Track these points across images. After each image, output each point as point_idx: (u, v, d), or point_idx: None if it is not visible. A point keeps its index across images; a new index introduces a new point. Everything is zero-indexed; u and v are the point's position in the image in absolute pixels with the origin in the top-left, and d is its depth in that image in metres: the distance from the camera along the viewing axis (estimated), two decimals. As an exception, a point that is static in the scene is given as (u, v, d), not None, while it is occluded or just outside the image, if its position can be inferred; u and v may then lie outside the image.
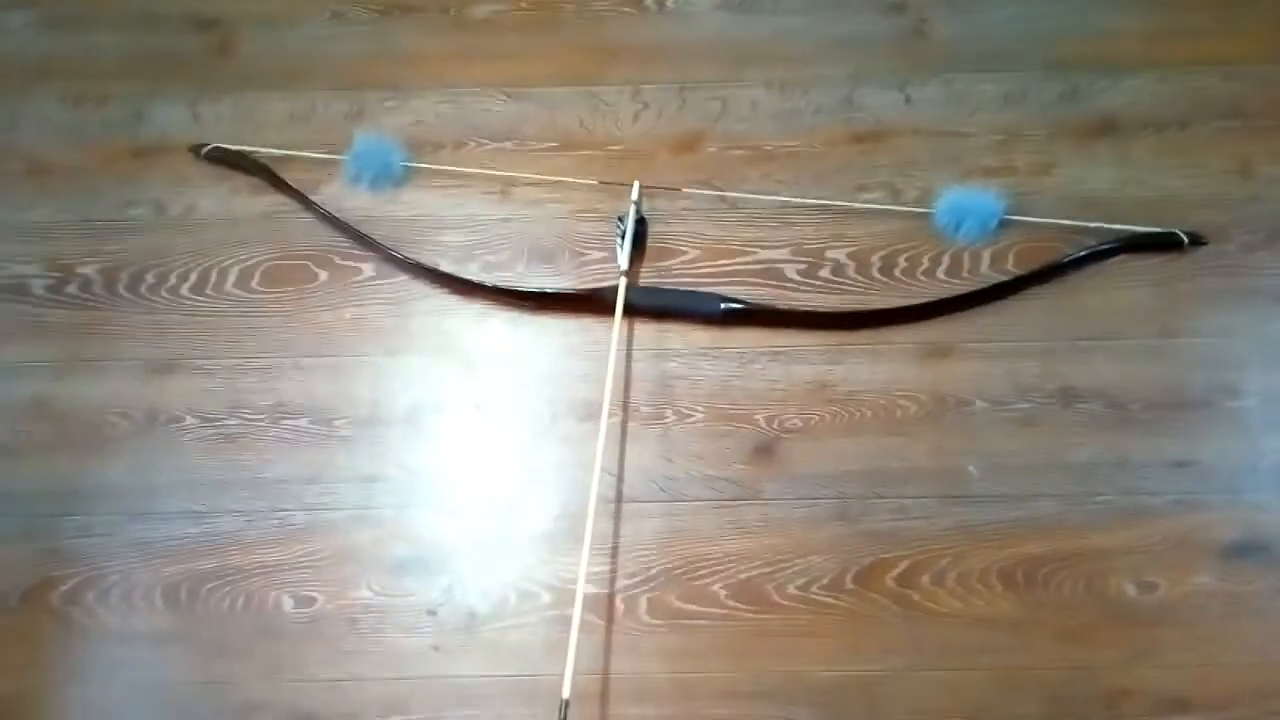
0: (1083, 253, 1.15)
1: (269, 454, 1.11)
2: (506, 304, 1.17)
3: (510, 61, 1.30)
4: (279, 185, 1.21)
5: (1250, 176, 1.21)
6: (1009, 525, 1.07)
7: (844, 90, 1.27)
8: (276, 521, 1.09)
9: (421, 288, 1.19)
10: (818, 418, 1.12)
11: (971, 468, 1.09)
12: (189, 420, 1.13)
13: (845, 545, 1.07)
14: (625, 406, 1.13)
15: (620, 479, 1.09)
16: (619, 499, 1.08)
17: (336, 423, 1.13)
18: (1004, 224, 1.19)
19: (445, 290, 1.18)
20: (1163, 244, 1.17)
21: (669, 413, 1.12)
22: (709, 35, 1.31)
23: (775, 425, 1.12)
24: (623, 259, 1.13)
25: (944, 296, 1.15)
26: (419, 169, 1.23)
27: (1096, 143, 1.24)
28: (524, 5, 1.34)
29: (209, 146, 1.23)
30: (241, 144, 1.23)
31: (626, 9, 1.33)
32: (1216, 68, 1.26)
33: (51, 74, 1.29)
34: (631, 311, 1.13)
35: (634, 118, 1.27)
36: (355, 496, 1.09)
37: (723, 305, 1.13)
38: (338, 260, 1.20)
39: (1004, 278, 1.16)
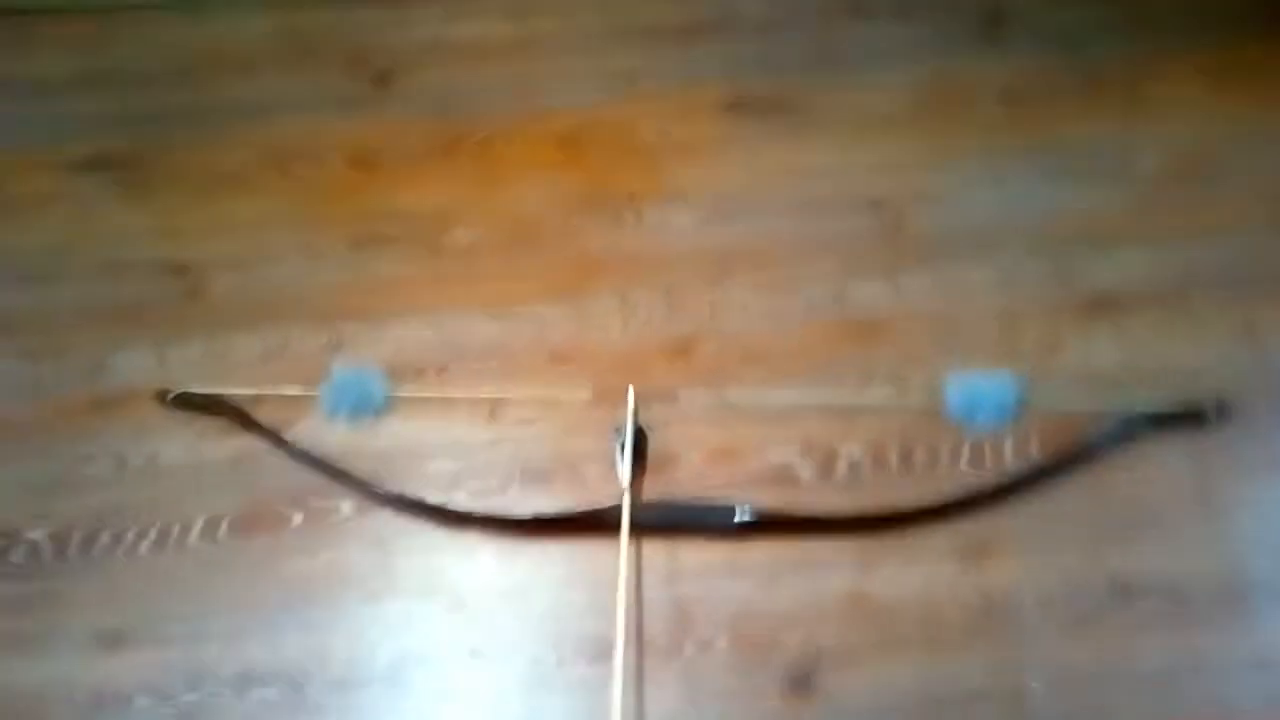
0: (1109, 434, 1.12)
1: (233, 732, 0.99)
2: (499, 534, 1.10)
3: (491, 283, 1.31)
4: (250, 426, 1.17)
5: (1259, 342, 1.21)
6: None
7: (832, 286, 1.29)
8: (242, 817, 0.95)
9: (405, 524, 1.12)
10: (857, 636, 1.03)
11: (1034, 684, 1.00)
12: (140, 701, 1.02)
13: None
14: (639, 641, 1.03)
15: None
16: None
17: (308, 689, 1.02)
18: (1020, 408, 1.16)
19: (431, 524, 1.11)
20: (1187, 418, 1.14)
21: (688, 645, 1.04)
22: (690, 244, 1.35)
23: (811, 649, 1.03)
24: (624, 474, 1.08)
25: (973, 490, 1.09)
26: (400, 398, 1.19)
27: (1096, 320, 1.25)
28: (502, 229, 1.36)
29: (175, 392, 1.19)
30: (212, 387, 1.19)
31: (604, 223, 1.36)
32: (1204, 237, 1.29)
33: (8, 330, 1.26)
34: (637, 530, 1.06)
35: (623, 326, 1.26)
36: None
37: (737, 515, 1.07)
38: (314, 501, 1.14)
39: (1030, 466, 1.11)
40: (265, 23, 1.62)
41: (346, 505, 1.13)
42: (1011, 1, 1.60)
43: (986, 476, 1.12)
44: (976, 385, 1.16)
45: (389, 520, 1.12)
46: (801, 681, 1.01)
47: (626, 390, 1.14)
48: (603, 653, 0.99)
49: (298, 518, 1.12)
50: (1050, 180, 1.38)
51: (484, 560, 1.09)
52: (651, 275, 1.30)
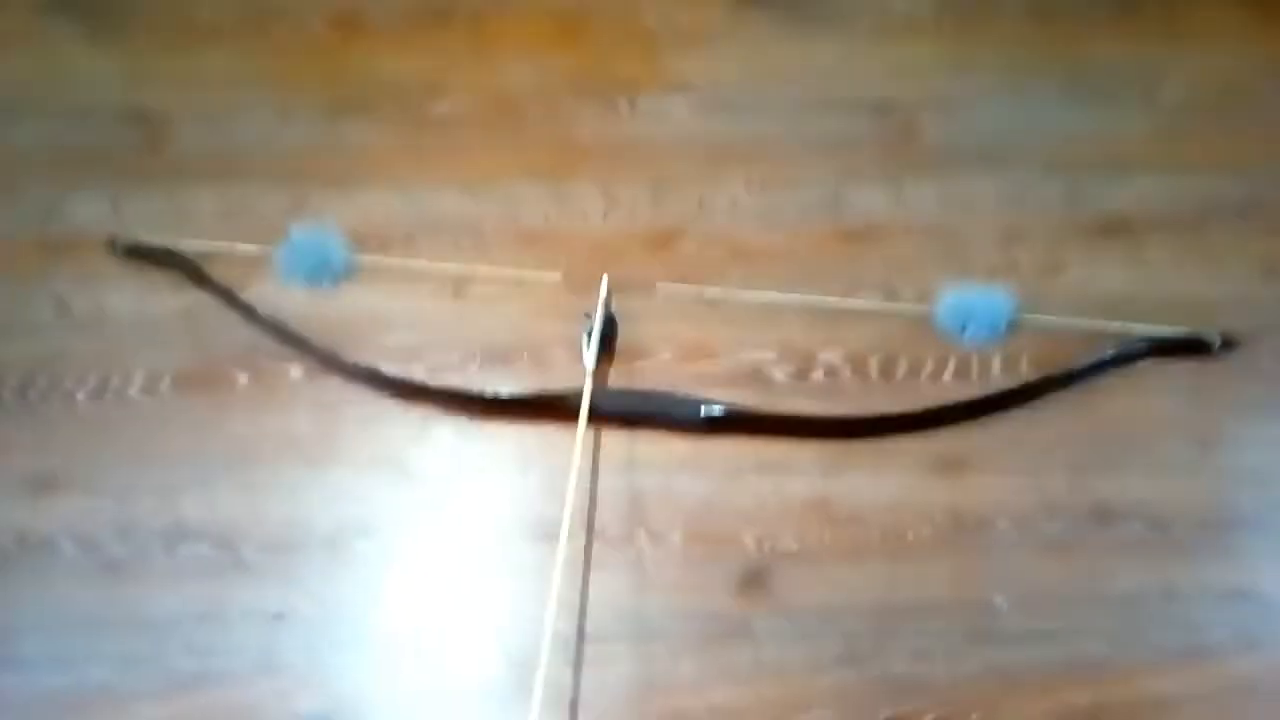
0: (1106, 356, 1.06)
1: (157, 587, 0.96)
2: (453, 410, 1.06)
3: (469, 157, 1.25)
4: (202, 282, 1.12)
5: (1276, 278, 1.14)
6: (1047, 669, 0.92)
7: (830, 189, 1.23)
8: (159, 670, 0.92)
9: (356, 393, 1.07)
10: (816, 540, 0.99)
11: (999, 599, 0.95)
12: (65, 546, 0.98)
13: (855, 695, 0.91)
14: (590, 528, 0.99)
15: (583, 614, 0.93)
16: (580, 639, 0.92)
17: (243, 548, 0.98)
18: (1013, 325, 1.10)
19: (384, 395, 1.06)
20: (1191, 347, 1.08)
21: (641, 535, 0.99)
22: (684, 136, 1.28)
23: (767, 549, 0.98)
24: (589, 358, 1.03)
25: (952, 401, 1.04)
26: (362, 264, 1.14)
27: (1107, 243, 1.18)
28: (486, 104, 1.30)
29: (126, 242, 1.13)
30: (166, 239, 1.14)
31: (596, 109, 1.29)
32: (1227, 168, 1.23)
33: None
34: (599, 418, 1.01)
35: (603, 215, 1.20)
36: (258, 638, 0.93)
37: (704, 409, 1.02)
38: (262, 363, 1.09)
39: (1018, 383, 1.05)
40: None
41: (296, 370, 1.08)
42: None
43: (970, 392, 1.05)
44: (970, 298, 1.11)
45: (340, 388, 1.07)
46: (755, 579, 0.96)
47: (601, 277, 1.07)
48: (550, 535, 0.95)
49: (244, 378, 1.07)
50: (1072, 99, 1.31)
51: (436, 436, 1.04)
52: (639, 166, 1.24)
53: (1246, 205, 1.20)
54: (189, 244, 1.15)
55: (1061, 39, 1.37)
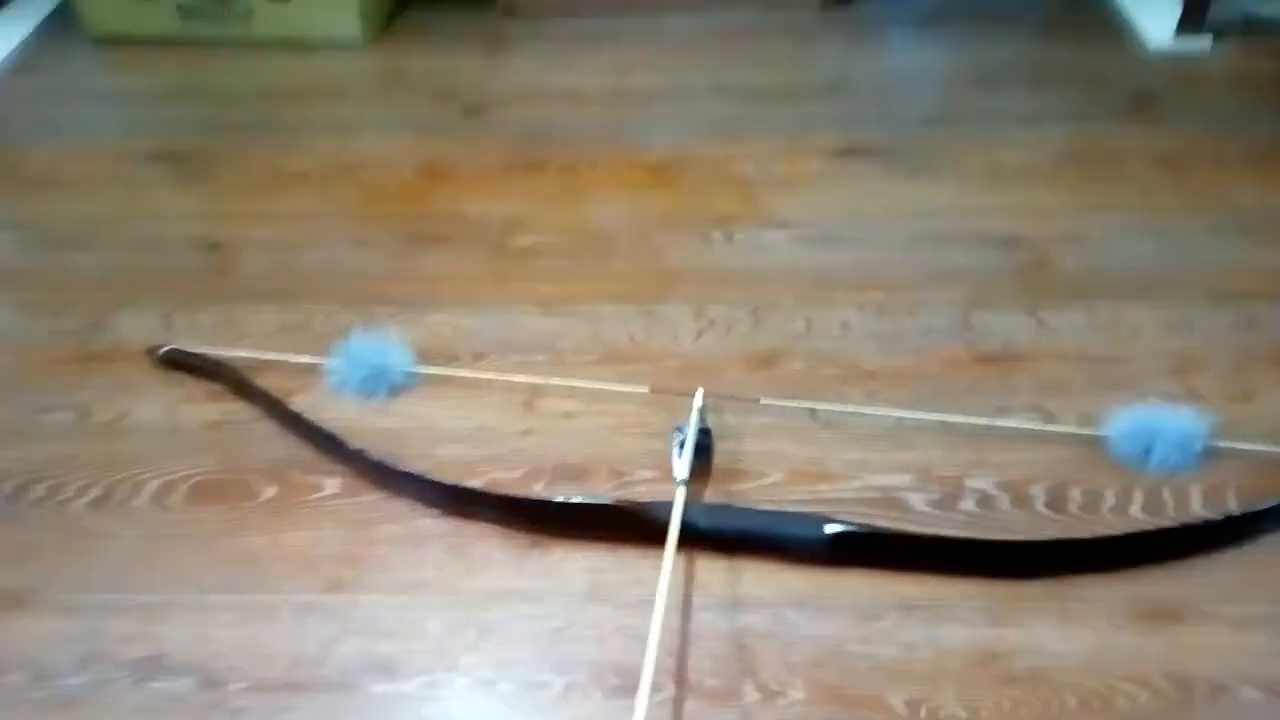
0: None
1: (116, 729, 0.73)
2: (513, 527, 0.85)
3: (551, 283, 1.15)
4: (243, 391, 0.99)
5: None
6: None
7: (958, 313, 1.08)
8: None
9: (397, 511, 0.89)
10: (991, 706, 0.72)
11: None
12: (10, 678, 0.76)
13: None
14: (679, 677, 0.74)
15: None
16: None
17: (232, 686, 0.75)
18: (1207, 451, 0.88)
19: (432, 512, 0.87)
20: None
21: (749, 688, 0.74)
22: (785, 264, 1.17)
23: (924, 714, 0.71)
24: (680, 468, 0.83)
25: (1161, 528, 0.80)
26: (423, 376, 0.99)
27: (1300, 371, 0.97)
28: (572, 237, 1.21)
29: (167, 348, 1.02)
30: (214, 351, 1.02)
31: (689, 240, 1.20)
32: None
33: (13, 286, 1.14)
34: (692, 540, 0.80)
35: (696, 335, 1.06)
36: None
37: (828, 528, 0.80)
38: (294, 476, 0.92)
39: (1236, 512, 0.82)
40: (365, 63, 1.60)
41: (332, 483, 0.91)
42: (1157, 83, 1.46)
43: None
44: (1152, 417, 0.90)
45: (379, 506, 0.89)
46: (909, 755, 0.68)
47: (695, 390, 0.91)
48: (628, 689, 0.70)
49: (269, 491, 0.91)
50: (1223, 237, 1.17)
51: (490, 556, 0.84)
52: (736, 290, 1.11)
53: None
54: (236, 355, 1.02)
55: (1196, 186, 1.27)
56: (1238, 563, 0.82)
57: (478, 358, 1.05)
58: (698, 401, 0.93)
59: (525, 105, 1.48)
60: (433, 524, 0.88)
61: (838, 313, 1.08)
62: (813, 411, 0.95)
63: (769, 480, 0.90)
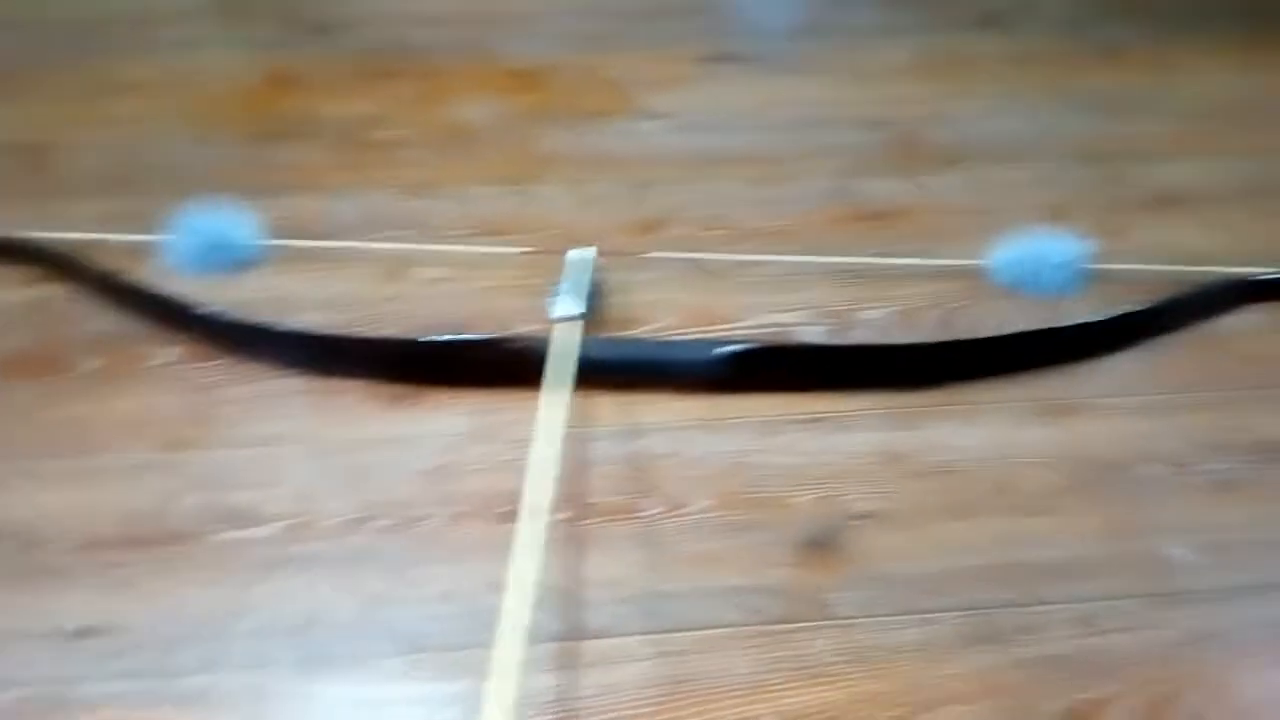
0: (1224, 286, 0.85)
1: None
2: (383, 379, 0.78)
3: (415, 169, 1.08)
4: (66, 271, 0.88)
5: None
6: (1274, 629, 0.60)
7: (837, 181, 1.07)
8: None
9: (249, 371, 0.80)
10: (900, 496, 0.69)
11: (1176, 550, 0.65)
12: None
13: (1008, 684, 0.58)
14: (578, 501, 0.69)
15: (573, 604, 0.61)
16: (572, 637, 0.59)
17: (53, 547, 0.65)
18: (1088, 276, 0.90)
19: (289, 372, 0.79)
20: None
21: (651, 503, 0.69)
22: (662, 147, 1.14)
23: (833, 510, 0.68)
24: (563, 306, 0.78)
25: (1051, 336, 0.81)
26: (275, 251, 0.91)
27: (1168, 211, 1.03)
28: (435, 131, 1.16)
29: (-23, 234, 0.91)
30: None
31: (561, 131, 1.16)
32: (1275, 153, 1.10)
33: None
34: (584, 375, 0.75)
35: (575, 207, 1.02)
36: (50, 667, 0.58)
37: (721, 350, 0.77)
38: (125, 348, 0.82)
39: (1122, 316, 0.84)
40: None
41: (169, 352, 0.83)
42: (1004, 3, 1.52)
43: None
44: (1034, 245, 0.91)
45: (225, 368, 0.81)
46: (824, 544, 0.66)
47: (585, 249, 0.87)
48: (517, 512, 0.64)
49: (93, 362, 0.81)
50: (1084, 113, 1.22)
51: (357, 408, 0.77)
52: (615, 171, 1.08)
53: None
54: (57, 237, 0.91)
55: (1050, 76, 1.31)
56: (1126, 362, 0.83)
57: (336, 234, 0.97)
58: (580, 254, 0.88)
59: (377, 25, 1.42)
60: (290, 382, 0.80)
61: (719, 185, 1.07)
62: (701, 264, 0.92)
63: (660, 324, 0.87)
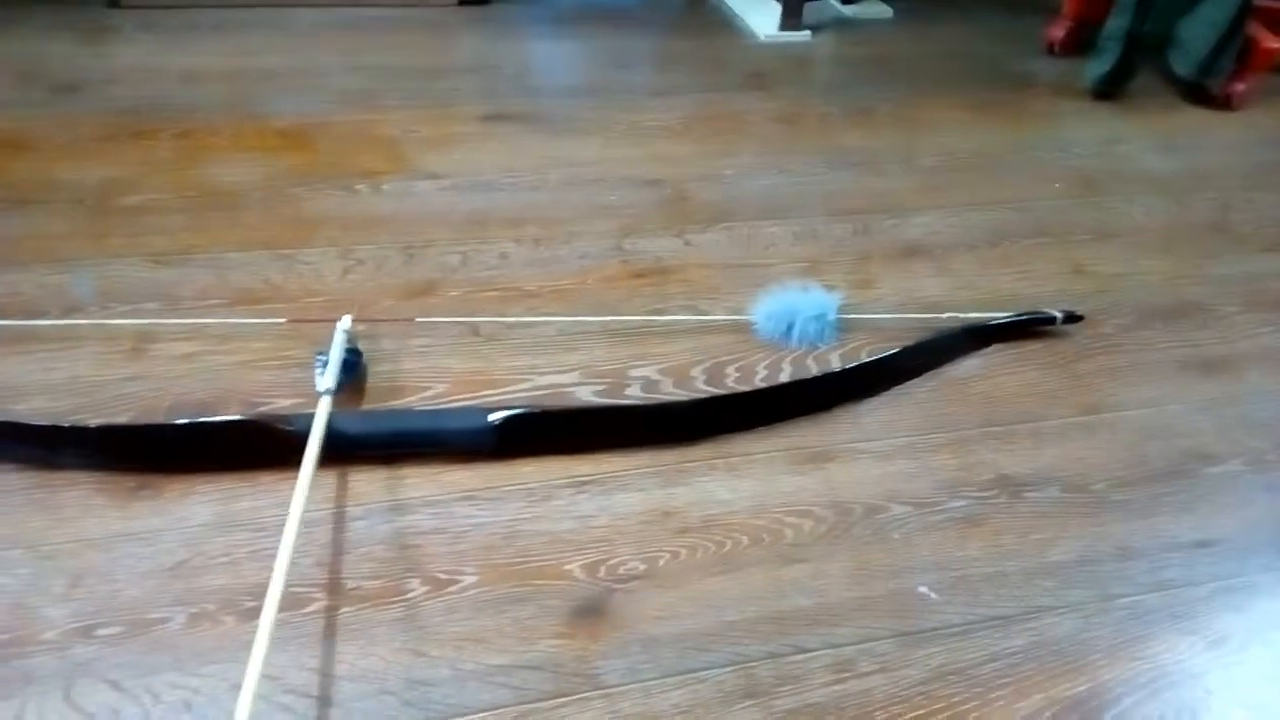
0: (958, 330, 0.93)
1: None
2: (118, 470, 0.71)
3: (165, 236, 1.02)
4: None
5: (1085, 274, 1.10)
6: (1017, 660, 0.65)
7: (611, 241, 1.09)
8: None
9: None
10: (668, 556, 0.70)
11: (923, 588, 0.69)
12: None
13: (772, 737, 0.59)
14: (334, 587, 0.65)
15: (326, 695, 0.57)
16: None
17: None
18: (840, 326, 0.95)
19: (7, 467, 0.71)
20: (1037, 325, 0.98)
21: (415, 583, 0.66)
22: (436, 210, 1.13)
23: (603, 574, 0.68)
24: (325, 379, 0.75)
25: (806, 389, 0.85)
26: (-5, 331, 0.83)
27: (911, 262, 1.11)
28: (190, 194, 1.09)
29: None
30: None
31: (330, 192, 1.12)
32: (1000, 204, 1.22)
33: None
34: (344, 451, 0.72)
35: (343, 273, 0.98)
36: None
37: (492, 416, 0.75)
38: None
39: (871, 365, 0.89)
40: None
41: None
42: (769, 65, 1.61)
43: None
44: (790, 299, 0.95)
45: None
46: (592, 610, 0.66)
47: (340, 320, 0.83)
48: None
49: None
50: (835, 170, 1.30)
51: (85, 503, 0.70)
52: (386, 233, 1.06)
53: (1034, 227, 1.18)
54: None
55: (809, 136, 1.39)
56: (876, 408, 0.88)
57: (70, 311, 0.89)
58: (344, 324, 0.85)
59: (131, 84, 1.33)
60: (8, 479, 0.71)
61: (494, 246, 1.06)
62: (474, 328, 0.90)
63: (431, 392, 0.85)
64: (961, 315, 0.98)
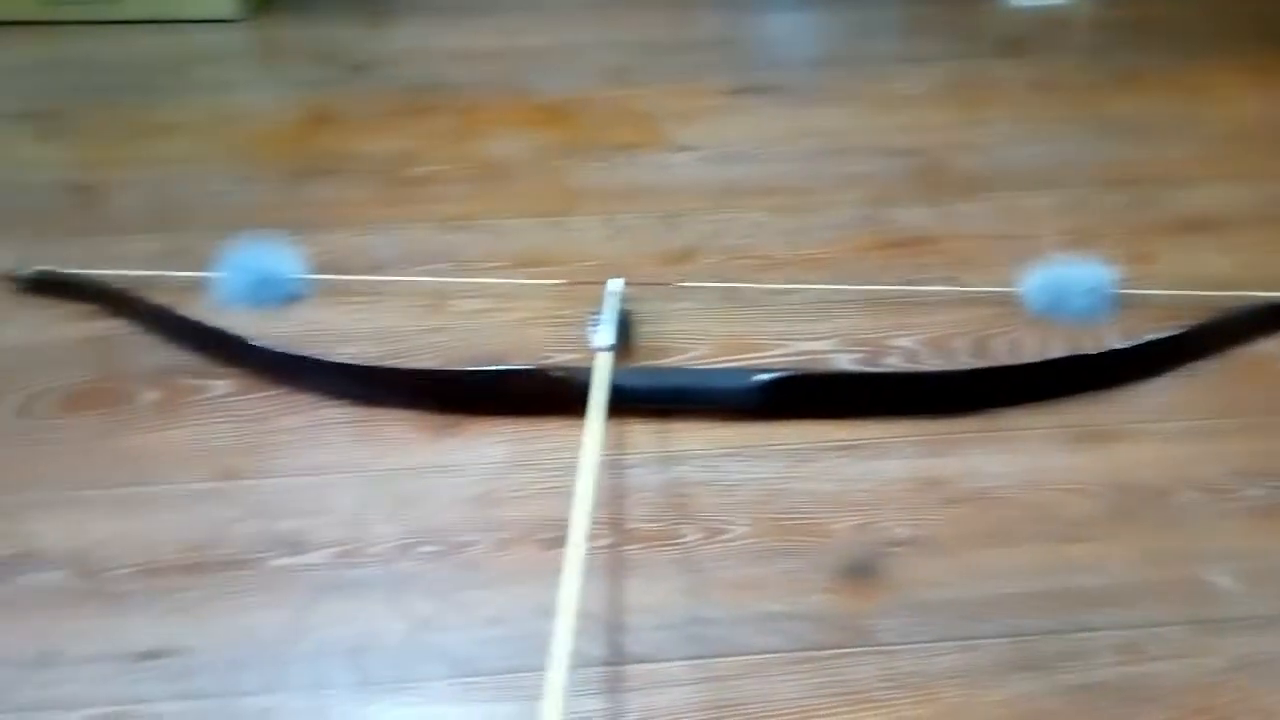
0: (1248, 311, 0.85)
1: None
2: (427, 409, 0.79)
3: (450, 204, 1.10)
4: (122, 307, 0.90)
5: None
6: None
7: (864, 210, 1.08)
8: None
9: (298, 401, 0.81)
10: (938, 523, 0.70)
11: (1219, 576, 0.65)
12: None
13: (1051, 711, 0.58)
14: (618, 527, 0.69)
15: (616, 629, 0.62)
16: (614, 660, 0.60)
17: (112, 574, 0.66)
18: (1117, 300, 0.90)
19: (337, 403, 0.80)
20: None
21: (689, 530, 0.70)
22: (691, 179, 1.16)
23: (871, 537, 0.68)
24: (604, 337, 0.80)
25: (1088, 363, 0.81)
26: (319, 285, 0.93)
27: (1193, 237, 1.02)
28: (469, 166, 1.18)
29: (35, 268, 0.93)
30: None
31: (592, 164, 1.18)
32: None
33: None
34: (620, 403, 0.76)
35: (608, 239, 1.03)
36: (117, 687, 0.59)
37: (756, 378, 0.77)
38: (178, 380, 0.84)
39: (1160, 341, 0.84)
40: (243, 35, 1.54)
41: (222, 384, 0.84)
42: (1023, 31, 1.53)
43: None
44: (1064, 272, 0.91)
45: (276, 399, 0.82)
46: (863, 570, 0.66)
47: (610, 282, 0.88)
48: (562, 539, 0.65)
49: (150, 395, 0.82)
50: (1104, 139, 1.22)
51: (402, 437, 0.78)
52: (645, 203, 1.09)
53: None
54: (112, 274, 0.93)
55: (1069, 103, 1.31)
56: (1160, 388, 0.83)
57: (376, 269, 0.99)
58: (615, 286, 0.89)
59: (412, 63, 1.45)
60: (338, 412, 0.81)
61: (747, 215, 1.08)
62: (732, 293, 0.93)
63: (694, 353, 0.87)
64: (1250, 294, 0.90)
